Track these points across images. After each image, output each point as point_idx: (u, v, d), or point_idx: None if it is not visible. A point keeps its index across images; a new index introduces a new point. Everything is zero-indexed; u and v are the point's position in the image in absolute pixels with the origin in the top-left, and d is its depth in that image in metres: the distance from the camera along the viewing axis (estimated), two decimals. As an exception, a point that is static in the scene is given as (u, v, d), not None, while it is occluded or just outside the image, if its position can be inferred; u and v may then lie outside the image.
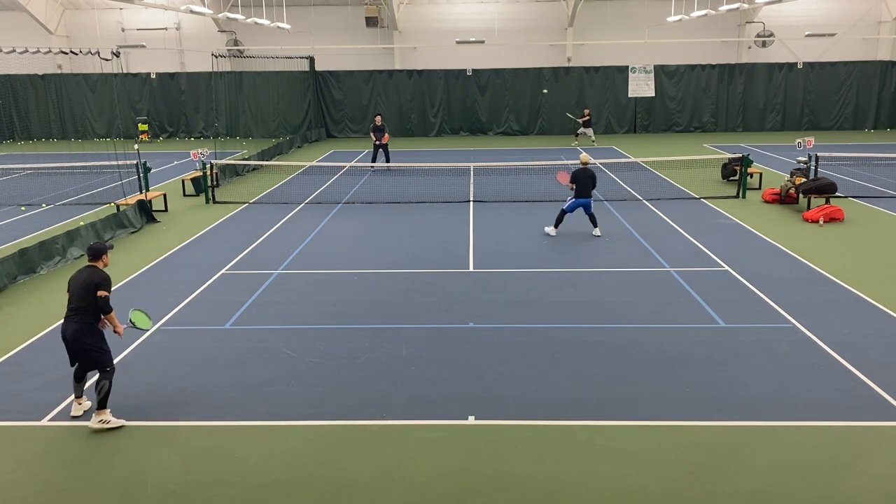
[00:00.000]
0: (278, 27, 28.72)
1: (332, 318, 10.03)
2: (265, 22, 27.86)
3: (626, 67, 32.98)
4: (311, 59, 32.86)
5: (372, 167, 23.01)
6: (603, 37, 33.04)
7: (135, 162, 17.58)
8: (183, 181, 20.37)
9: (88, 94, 33.61)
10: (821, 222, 15.16)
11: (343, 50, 33.25)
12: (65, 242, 13.00)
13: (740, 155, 18.55)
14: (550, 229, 14.45)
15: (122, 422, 7.08)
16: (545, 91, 31.26)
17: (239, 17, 26.45)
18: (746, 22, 32.75)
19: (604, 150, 28.00)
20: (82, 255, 13.14)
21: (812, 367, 8.10)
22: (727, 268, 12.09)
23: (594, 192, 14.22)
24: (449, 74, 33.33)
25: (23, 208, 17.69)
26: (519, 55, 33.39)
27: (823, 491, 5.93)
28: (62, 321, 7.13)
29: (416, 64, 33.81)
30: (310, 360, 8.57)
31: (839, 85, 33.03)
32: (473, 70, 33.21)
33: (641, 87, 33.19)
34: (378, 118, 23.60)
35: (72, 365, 7.20)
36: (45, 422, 7.23)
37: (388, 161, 23.18)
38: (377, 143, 23.08)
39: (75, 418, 7.25)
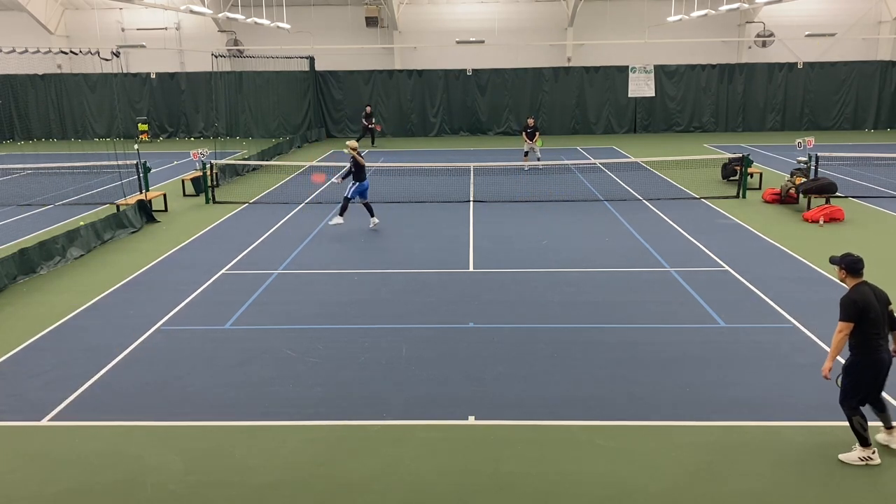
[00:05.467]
0: (278, 27, 28.71)
1: (332, 318, 10.03)
2: (265, 22, 27.85)
3: (626, 67, 32.96)
4: (311, 59, 32.85)
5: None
6: (603, 37, 33.02)
7: (135, 162, 17.58)
8: (183, 181, 20.36)
9: (88, 94, 33.59)
10: (821, 222, 15.16)
11: (343, 50, 33.23)
12: (65, 242, 12.96)
13: (740, 155, 18.55)
14: (337, 219, 14.77)
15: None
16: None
17: (239, 17, 26.43)
18: (746, 22, 32.73)
19: (604, 149, 28.00)
20: (82, 254, 13.11)
21: (812, 367, 8.08)
22: (727, 268, 12.09)
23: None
24: (449, 74, 33.32)
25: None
26: (519, 55, 33.37)
27: (823, 491, 5.93)
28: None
29: (416, 64, 33.79)
30: (310, 360, 8.57)
31: (839, 85, 33.00)
32: (473, 70, 33.20)
33: (641, 87, 33.17)
34: (368, 108, 30.52)
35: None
36: (45, 422, 7.23)
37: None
38: (371, 126, 30.01)
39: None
